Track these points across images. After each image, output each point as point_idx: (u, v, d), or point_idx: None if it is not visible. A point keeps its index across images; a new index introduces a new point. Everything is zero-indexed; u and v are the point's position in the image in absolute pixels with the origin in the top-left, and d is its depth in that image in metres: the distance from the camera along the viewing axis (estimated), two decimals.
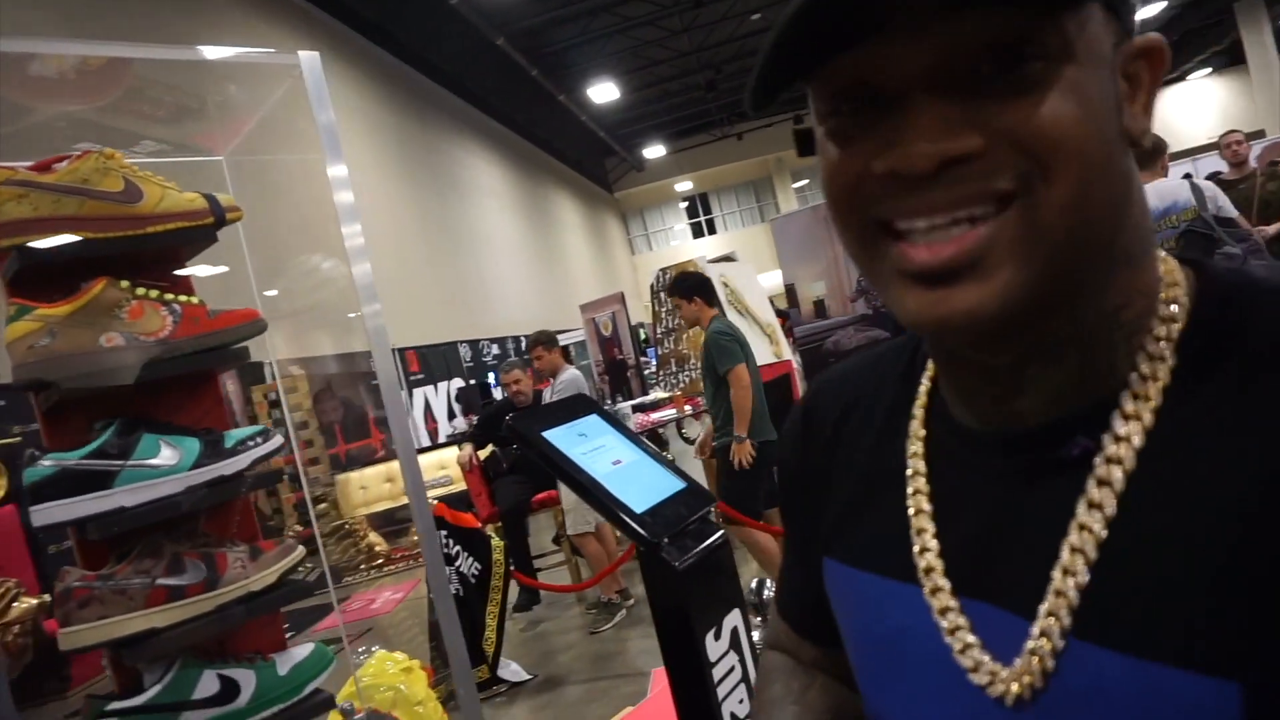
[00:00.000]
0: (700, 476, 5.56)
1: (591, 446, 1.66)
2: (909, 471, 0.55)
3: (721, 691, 1.58)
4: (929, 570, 0.51)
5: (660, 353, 9.26)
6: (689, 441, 6.27)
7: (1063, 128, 0.40)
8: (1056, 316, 0.45)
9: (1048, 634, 0.44)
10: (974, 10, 0.39)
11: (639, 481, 1.63)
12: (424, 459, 9.10)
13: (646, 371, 9.94)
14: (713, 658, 1.58)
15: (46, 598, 2.28)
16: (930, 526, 0.52)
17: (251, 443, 1.37)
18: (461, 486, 7.96)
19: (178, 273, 1.40)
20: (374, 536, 7.22)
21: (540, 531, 6.11)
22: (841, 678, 0.70)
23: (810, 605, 0.67)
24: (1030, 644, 0.44)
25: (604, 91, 16.53)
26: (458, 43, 12.80)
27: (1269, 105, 11.09)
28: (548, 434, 1.64)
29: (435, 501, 7.09)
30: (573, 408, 1.83)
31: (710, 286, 4.17)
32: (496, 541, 4.16)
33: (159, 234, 1.27)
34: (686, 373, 8.47)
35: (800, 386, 6.56)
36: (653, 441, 6.93)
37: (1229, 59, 20.14)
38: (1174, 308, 0.45)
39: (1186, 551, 0.40)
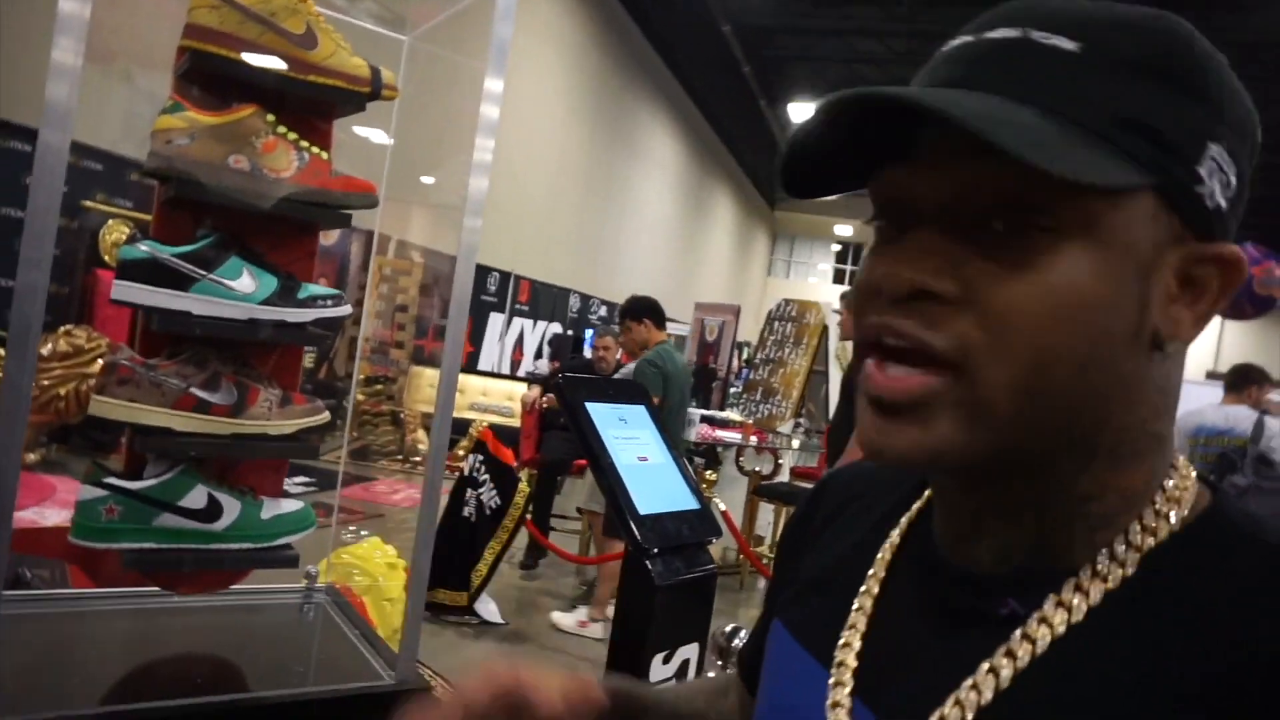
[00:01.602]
0: (738, 508, 5.51)
1: (626, 434, 1.66)
2: (871, 570, 0.57)
3: None
4: (842, 664, 0.53)
5: (751, 377, 9.21)
6: (744, 473, 6.21)
7: (1031, 310, 0.40)
8: (1012, 481, 0.45)
9: None
10: (995, 160, 0.37)
11: (655, 485, 1.62)
12: (499, 384, 9.33)
13: (732, 389, 9.90)
14: (653, 679, 1.56)
15: None
16: (863, 625, 0.54)
17: (323, 302, 1.43)
18: (517, 423, 8.11)
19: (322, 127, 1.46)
20: (422, 434, 7.46)
21: (574, 494, 6.18)
22: None
23: (758, 660, 0.71)
24: None
25: (805, 112, 16.38)
26: (685, 14, 12.91)
27: None
28: (590, 405, 1.65)
29: (484, 425, 7.23)
30: (627, 391, 1.83)
31: (661, 311, 4.18)
32: (524, 486, 4.22)
33: (317, 84, 1.33)
34: (769, 405, 8.40)
35: None
36: (708, 458, 6.89)
37: None
38: (1160, 523, 0.44)
39: None
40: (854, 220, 25.33)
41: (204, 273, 1.31)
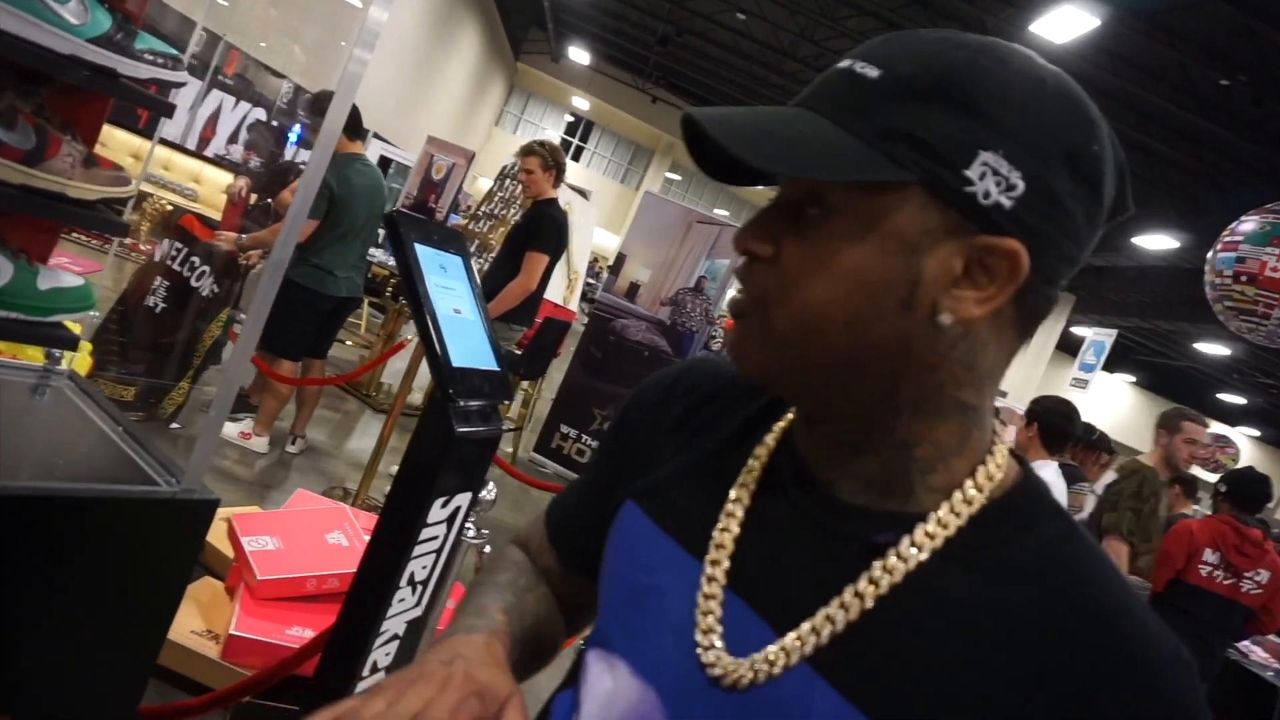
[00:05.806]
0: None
1: (444, 282, 1.65)
2: (742, 473, 0.62)
3: (417, 551, 1.64)
4: (716, 557, 0.59)
5: (468, 226, 9.03)
6: None
7: (807, 268, 0.53)
8: (843, 422, 0.56)
9: (788, 650, 0.53)
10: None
11: (464, 339, 1.64)
12: (181, 161, 8.17)
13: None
14: (429, 520, 1.63)
15: None
16: (736, 526, 0.60)
17: (159, 59, 1.22)
18: (205, 209, 7.25)
19: None
20: None
21: None
22: (561, 598, 0.78)
23: (582, 529, 0.75)
24: (770, 650, 0.54)
25: None
26: None
27: None
28: (418, 246, 1.61)
29: (169, 206, 6.41)
30: (450, 239, 1.81)
31: (358, 121, 3.89)
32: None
33: None
34: (482, 261, 8.34)
35: (570, 343, 6.70)
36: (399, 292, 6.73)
37: None
38: (987, 482, 0.55)
39: (920, 659, 0.51)
40: (593, 97, 25.24)
41: None
